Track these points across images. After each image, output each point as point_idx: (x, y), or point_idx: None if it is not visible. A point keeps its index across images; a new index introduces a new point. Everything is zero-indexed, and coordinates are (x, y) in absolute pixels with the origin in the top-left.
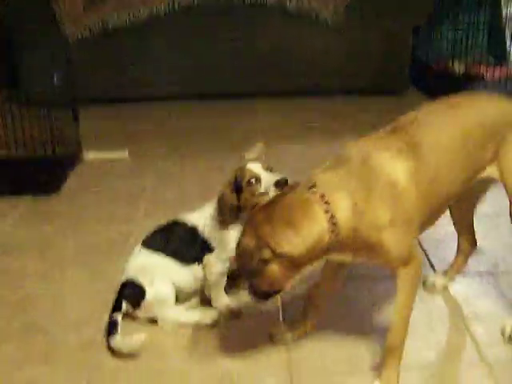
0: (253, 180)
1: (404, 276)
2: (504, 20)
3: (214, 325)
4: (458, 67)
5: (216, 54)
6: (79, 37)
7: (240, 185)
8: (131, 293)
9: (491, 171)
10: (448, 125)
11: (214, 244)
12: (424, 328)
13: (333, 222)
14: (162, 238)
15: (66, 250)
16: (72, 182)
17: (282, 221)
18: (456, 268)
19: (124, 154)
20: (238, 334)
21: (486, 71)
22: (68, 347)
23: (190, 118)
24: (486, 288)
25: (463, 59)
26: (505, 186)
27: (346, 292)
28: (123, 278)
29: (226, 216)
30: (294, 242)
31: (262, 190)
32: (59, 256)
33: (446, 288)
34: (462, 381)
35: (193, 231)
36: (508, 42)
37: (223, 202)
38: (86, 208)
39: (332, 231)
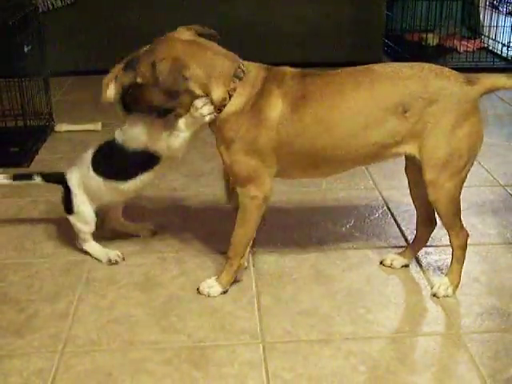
0: None
1: (240, 197)
2: None
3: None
4: (432, 39)
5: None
6: (50, 7)
7: None
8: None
9: (410, 148)
10: (356, 89)
11: None
12: (396, 298)
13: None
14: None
15: (38, 222)
16: (44, 154)
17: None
18: (415, 248)
19: (97, 126)
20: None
21: (460, 43)
22: (41, 319)
23: None
24: None
25: (437, 31)
26: (421, 169)
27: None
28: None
29: None
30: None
31: None
32: (30, 228)
33: (406, 266)
34: (434, 351)
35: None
36: (481, 15)
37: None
38: None
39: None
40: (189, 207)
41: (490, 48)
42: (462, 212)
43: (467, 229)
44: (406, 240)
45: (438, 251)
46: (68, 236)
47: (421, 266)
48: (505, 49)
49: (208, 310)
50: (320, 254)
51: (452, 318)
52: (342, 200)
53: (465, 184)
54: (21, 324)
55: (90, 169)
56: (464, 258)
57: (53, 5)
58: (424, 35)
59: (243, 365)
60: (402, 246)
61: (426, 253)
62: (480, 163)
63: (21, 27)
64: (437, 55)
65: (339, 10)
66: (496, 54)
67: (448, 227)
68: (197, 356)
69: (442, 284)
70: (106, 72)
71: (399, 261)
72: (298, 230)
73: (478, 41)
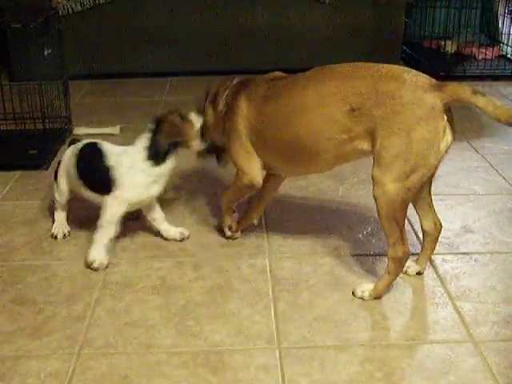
0: None
1: (235, 176)
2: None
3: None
4: (450, 46)
5: (213, 30)
6: (70, 11)
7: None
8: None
9: (365, 145)
10: (306, 87)
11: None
12: (412, 307)
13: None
14: None
15: None
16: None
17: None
18: (426, 253)
19: (115, 129)
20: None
21: (478, 51)
22: (58, 321)
23: (182, 93)
24: (474, 267)
25: (455, 38)
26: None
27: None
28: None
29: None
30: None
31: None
32: (48, 230)
33: (420, 273)
34: (450, 359)
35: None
36: (500, 22)
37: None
38: None
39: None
40: (205, 212)
41: (509, 56)
42: (479, 220)
43: (485, 236)
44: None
45: (455, 259)
46: (86, 239)
47: (438, 273)
48: None
49: (225, 314)
50: (337, 260)
51: (468, 326)
52: (359, 207)
53: (482, 192)
54: (38, 325)
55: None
56: (396, 273)
57: (72, 9)
58: (442, 42)
59: (259, 370)
60: (418, 253)
61: (444, 260)
62: (498, 171)
63: (41, 31)
64: (455, 62)
65: (358, 16)
66: None
67: (385, 233)
68: (213, 360)
69: (364, 287)
70: (122, 75)
71: (413, 268)
72: (314, 236)
73: (496, 48)
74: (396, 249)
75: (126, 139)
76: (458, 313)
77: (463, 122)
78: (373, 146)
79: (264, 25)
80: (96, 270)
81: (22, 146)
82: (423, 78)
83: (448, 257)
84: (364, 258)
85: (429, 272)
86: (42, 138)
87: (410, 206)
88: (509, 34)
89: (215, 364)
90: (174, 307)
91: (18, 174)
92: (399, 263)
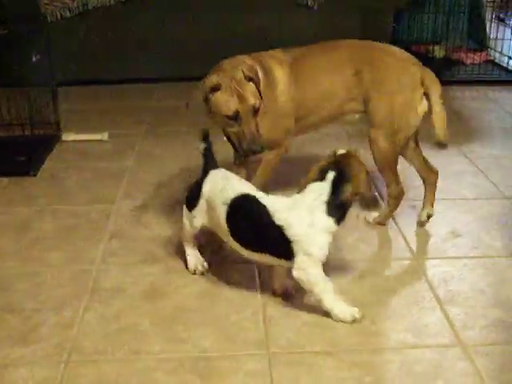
0: None
1: (267, 155)
2: (484, 5)
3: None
4: (438, 51)
5: (198, 36)
6: (58, 17)
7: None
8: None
9: (360, 106)
10: (322, 54)
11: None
12: (401, 310)
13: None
14: None
15: (44, 231)
16: (50, 163)
17: None
18: (429, 198)
19: (104, 135)
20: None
21: (466, 55)
22: (47, 328)
23: (170, 99)
24: (463, 272)
25: (443, 43)
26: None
27: None
28: None
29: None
30: None
31: None
32: (37, 237)
33: (430, 216)
34: (439, 363)
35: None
36: (488, 27)
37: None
38: (64, 189)
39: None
40: None
41: (496, 61)
42: (467, 224)
43: (473, 240)
44: (411, 251)
45: (444, 263)
46: (75, 246)
47: (426, 277)
48: (511, 62)
49: (213, 320)
50: (325, 265)
51: (457, 331)
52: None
53: (470, 196)
54: (26, 333)
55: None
56: (395, 207)
57: (61, 15)
58: (430, 47)
59: (248, 375)
60: (407, 258)
61: (432, 264)
62: (486, 176)
63: (30, 37)
64: (443, 67)
65: (346, 21)
66: (502, 66)
67: (384, 179)
68: (201, 366)
69: (371, 215)
70: (111, 82)
71: (424, 214)
72: None
73: (484, 53)
74: (392, 188)
75: (114, 145)
76: (447, 317)
77: (451, 127)
78: (366, 107)
79: (252, 30)
80: (353, 321)
81: (10, 152)
82: (410, 55)
83: (436, 261)
84: (353, 262)
85: (418, 276)
86: (31, 145)
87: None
88: (496, 39)
89: (204, 370)
90: (163, 313)
91: (5, 180)
92: (396, 199)
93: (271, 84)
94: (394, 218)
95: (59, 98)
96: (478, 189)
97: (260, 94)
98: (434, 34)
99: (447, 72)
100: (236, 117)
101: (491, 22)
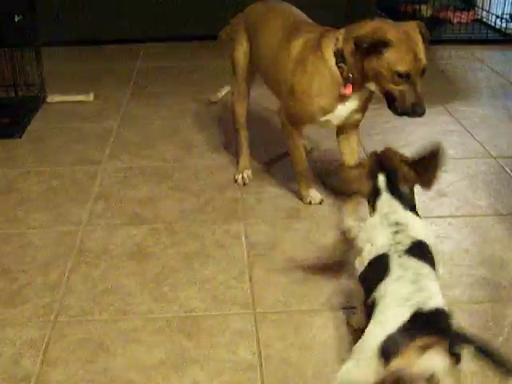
0: None
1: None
2: None
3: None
4: (426, 10)
5: None
6: None
7: None
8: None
9: None
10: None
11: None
12: None
13: None
14: None
15: (29, 193)
16: (35, 124)
17: None
18: None
19: (89, 97)
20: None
21: (453, 15)
22: (33, 289)
23: (156, 60)
24: (448, 231)
25: (430, 2)
26: None
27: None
28: None
29: None
30: None
31: None
32: (22, 199)
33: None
34: None
35: None
36: None
37: None
38: (50, 150)
39: None
40: (181, 179)
41: (484, 20)
42: (453, 183)
43: (459, 199)
44: None
45: (429, 222)
46: (60, 207)
47: None
48: (498, 21)
49: (200, 280)
50: (312, 224)
51: (442, 289)
52: None
53: (456, 156)
54: (13, 294)
55: None
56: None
57: None
58: (417, 6)
59: (234, 334)
60: None
61: None
62: (472, 135)
63: None
64: (430, 27)
65: None
66: (489, 25)
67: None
68: (188, 325)
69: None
70: (98, 42)
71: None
72: (289, 201)
73: (471, 12)
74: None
75: (99, 106)
76: None
77: (438, 86)
78: None
79: None
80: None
81: None
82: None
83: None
84: (339, 224)
85: None
86: (15, 107)
87: None
88: None
89: (190, 329)
90: (149, 274)
91: None
92: None
93: None
94: None
95: (43, 58)
96: (465, 148)
97: None
98: None
99: (434, 31)
100: (408, 75)
101: None
